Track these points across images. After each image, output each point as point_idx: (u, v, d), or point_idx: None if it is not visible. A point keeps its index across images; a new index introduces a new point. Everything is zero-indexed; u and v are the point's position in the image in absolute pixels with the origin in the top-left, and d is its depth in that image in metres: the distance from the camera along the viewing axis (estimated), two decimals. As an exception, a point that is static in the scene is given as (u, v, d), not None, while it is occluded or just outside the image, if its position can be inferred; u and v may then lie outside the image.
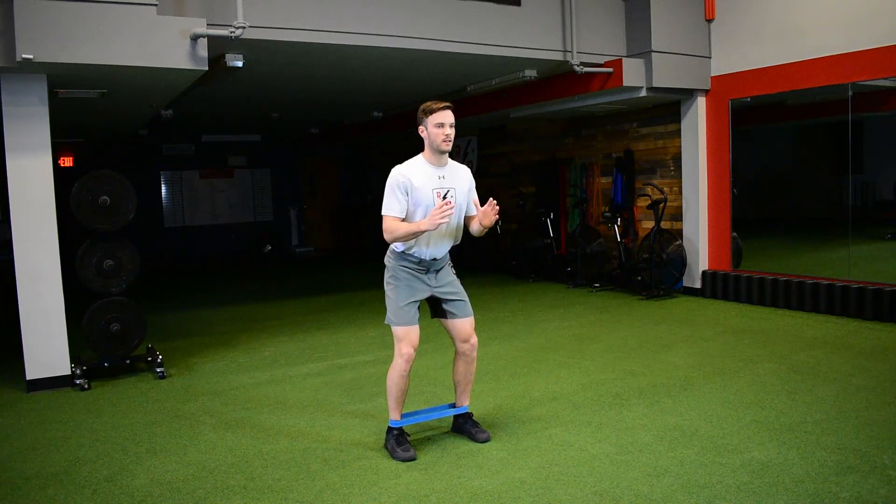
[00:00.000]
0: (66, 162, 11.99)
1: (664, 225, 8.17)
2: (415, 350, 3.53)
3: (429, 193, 3.46)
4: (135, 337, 5.47)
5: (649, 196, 8.29)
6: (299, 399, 4.68)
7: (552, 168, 10.01)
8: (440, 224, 3.32)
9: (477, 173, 11.54)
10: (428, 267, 3.57)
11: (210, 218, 14.72)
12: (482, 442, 3.72)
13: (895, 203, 6.92)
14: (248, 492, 3.23)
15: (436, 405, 4.16)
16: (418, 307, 3.57)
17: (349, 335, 6.59)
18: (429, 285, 3.59)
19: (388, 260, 3.63)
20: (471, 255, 10.86)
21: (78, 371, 5.15)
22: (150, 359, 5.52)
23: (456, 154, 12.10)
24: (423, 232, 3.38)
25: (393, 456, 3.55)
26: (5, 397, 4.95)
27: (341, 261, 13.72)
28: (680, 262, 7.95)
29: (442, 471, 3.38)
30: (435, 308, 3.70)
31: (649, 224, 8.42)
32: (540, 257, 9.82)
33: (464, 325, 3.65)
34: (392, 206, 3.48)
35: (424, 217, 3.41)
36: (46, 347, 5.07)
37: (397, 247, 3.56)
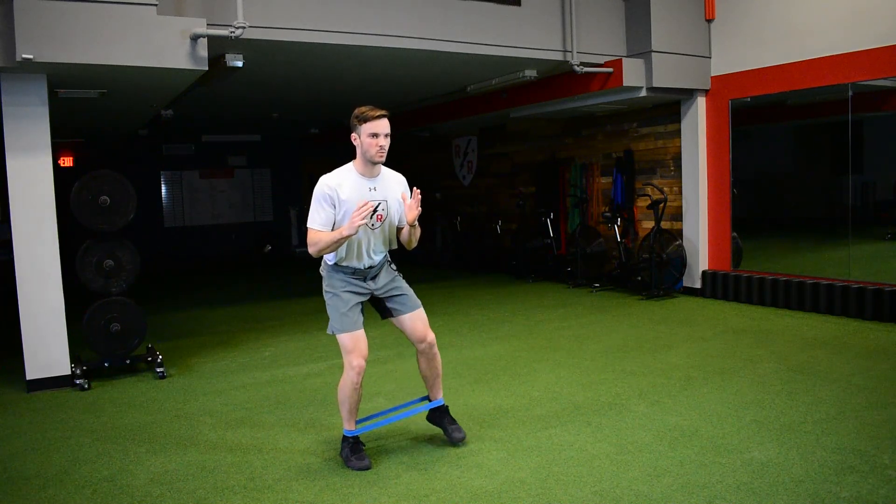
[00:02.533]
0: (66, 162, 11.98)
1: (664, 225, 8.17)
2: (365, 360, 3.39)
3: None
4: (135, 337, 5.47)
5: (649, 196, 8.29)
6: (299, 399, 4.68)
7: (552, 168, 10.01)
8: (360, 225, 3.14)
9: (477, 173, 11.57)
10: (364, 275, 3.46)
11: (210, 218, 14.72)
12: (456, 442, 3.63)
13: (895, 203, 6.92)
14: (248, 492, 3.23)
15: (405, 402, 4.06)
16: (362, 311, 3.46)
17: (349, 335, 6.58)
18: (368, 289, 3.47)
19: (323, 272, 3.51)
20: (471, 255, 10.89)
21: (78, 371, 5.15)
22: (150, 359, 5.53)
23: (456, 154, 12.11)
24: (346, 238, 3.21)
25: (347, 464, 3.44)
26: (5, 397, 4.95)
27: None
28: (680, 262, 7.95)
29: (442, 471, 3.38)
30: (380, 309, 3.59)
31: (649, 224, 8.42)
32: (540, 257, 9.82)
33: (413, 321, 3.52)
34: (315, 219, 3.29)
35: None
36: (46, 347, 5.07)
37: (329, 258, 3.42)
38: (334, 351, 6.02)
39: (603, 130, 9.26)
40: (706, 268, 7.99)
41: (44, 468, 3.61)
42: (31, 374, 5.04)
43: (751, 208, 8.02)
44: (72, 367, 5.19)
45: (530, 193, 10.36)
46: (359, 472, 3.39)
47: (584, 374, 5.01)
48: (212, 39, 5.08)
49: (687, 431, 3.76)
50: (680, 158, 8.15)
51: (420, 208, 3.37)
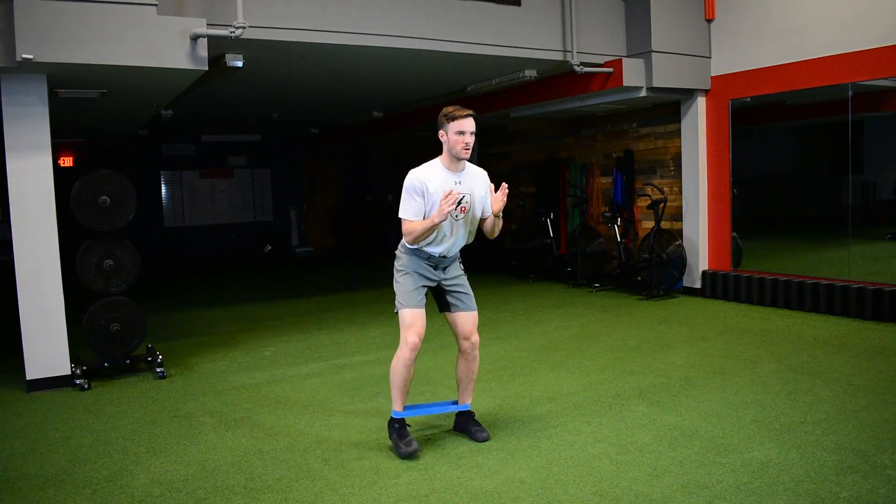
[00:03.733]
0: (66, 162, 11.99)
1: (664, 225, 8.17)
2: (420, 340, 3.55)
3: None
4: (135, 337, 5.47)
5: (649, 196, 8.29)
6: (299, 399, 4.68)
7: (552, 168, 10.01)
8: (448, 211, 3.34)
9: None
10: (437, 263, 3.63)
11: (210, 218, 14.72)
12: (481, 441, 3.72)
13: (895, 203, 6.92)
14: (248, 492, 3.23)
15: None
16: (425, 295, 3.62)
17: (349, 335, 6.58)
18: (437, 277, 3.65)
19: (400, 252, 3.68)
20: (471, 255, 10.85)
21: (78, 371, 5.15)
22: (150, 359, 5.52)
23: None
24: (437, 224, 3.41)
25: (396, 451, 3.54)
26: (5, 397, 4.95)
27: (341, 261, 13.72)
28: (680, 262, 7.95)
29: (442, 471, 3.38)
30: (441, 301, 3.75)
31: (649, 224, 8.42)
32: (540, 257, 9.82)
33: (466, 319, 3.69)
34: (408, 210, 3.51)
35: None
36: (46, 347, 5.07)
37: (413, 244, 3.60)
38: (334, 351, 6.02)
39: (603, 130, 9.26)
40: (706, 268, 7.99)
41: (44, 468, 3.61)
42: (31, 374, 5.04)
43: (751, 208, 8.01)
44: (72, 367, 5.18)
45: (530, 193, 10.36)
46: (359, 472, 3.39)
47: (584, 374, 5.01)
48: (212, 39, 5.08)
49: (687, 431, 3.76)
50: (680, 158, 8.15)
51: (506, 200, 3.55)
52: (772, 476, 3.15)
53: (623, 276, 8.54)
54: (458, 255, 3.78)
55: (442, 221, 3.41)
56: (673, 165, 8.30)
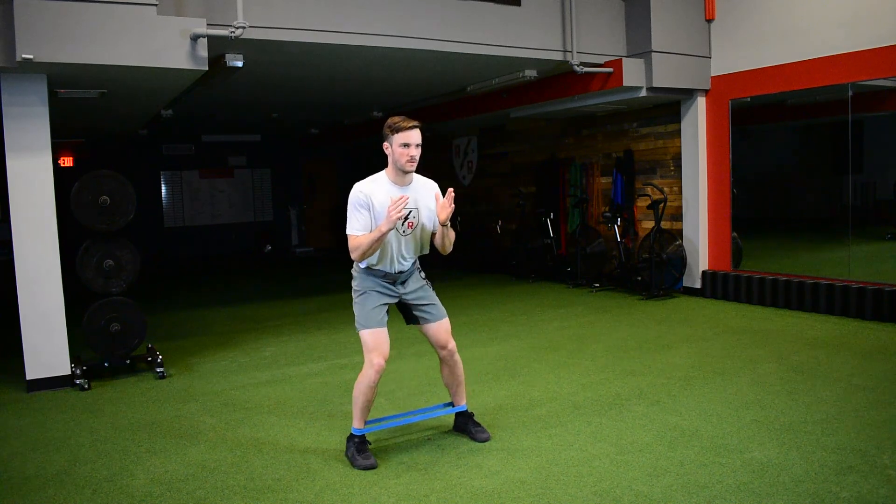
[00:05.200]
0: (66, 162, 11.99)
1: (664, 225, 8.17)
2: (385, 360, 3.45)
3: None
4: (135, 337, 5.47)
5: (649, 196, 8.29)
6: (299, 399, 4.68)
7: (552, 168, 10.01)
8: (397, 218, 3.22)
9: (477, 173, 11.57)
10: (394, 279, 3.54)
11: (210, 218, 14.73)
12: (481, 442, 3.72)
13: (895, 203, 6.92)
14: (248, 492, 3.23)
15: (436, 405, 4.16)
16: (387, 312, 3.53)
17: (349, 335, 6.58)
18: (396, 292, 3.56)
19: (354, 272, 3.58)
20: (471, 255, 10.89)
21: (78, 371, 5.15)
22: (150, 359, 5.52)
23: (456, 154, 12.10)
24: (385, 234, 3.28)
25: (353, 464, 3.46)
26: (5, 397, 4.95)
27: (341, 261, 13.72)
28: (680, 262, 7.95)
29: (442, 471, 3.38)
30: (407, 316, 3.67)
31: (649, 224, 8.42)
32: (540, 257, 9.82)
33: (438, 330, 3.62)
34: (354, 225, 3.38)
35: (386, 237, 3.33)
36: (46, 347, 5.07)
37: (361, 262, 3.49)
38: (334, 351, 6.02)
39: (603, 130, 9.25)
40: (706, 268, 7.99)
41: (44, 468, 3.61)
42: (31, 374, 5.04)
43: (751, 208, 8.01)
44: (72, 367, 5.19)
45: (530, 193, 10.36)
46: (359, 472, 3.39)
47: (584, 374, 5.01)
48: (212, 39, 5.08)
49: (687, 431, 3.76)
50: (680, 158, 8.15)
51: (453, 207, 3.43)
52: (772, 476, 3.15)
53: (623, 276, 8.54)
54: (418, 265, 3.67)
55: (389, 230, 3.27)
56: (673, 165, 8.30)
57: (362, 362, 3.89)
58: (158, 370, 5.35)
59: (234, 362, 5.76)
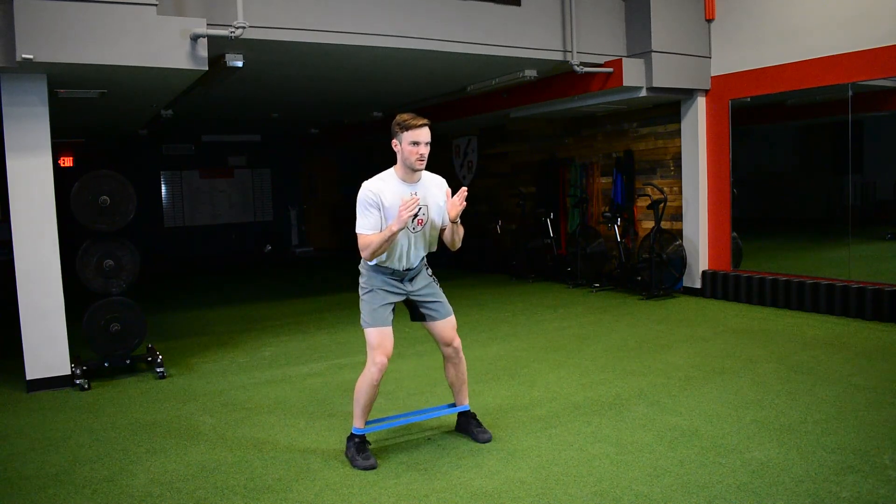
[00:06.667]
0: (66, 162, 11.99)
1: (664, 225, 8.17)
2: (388, 359, 3.46)
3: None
4: (135, 337, 5.47)
5: (649, 196, 8.29)
6: (299, 399, 4.68)
7: (552, 168, 10.01)
8: (408, 217, 3.23)
9: (477, 173, 11.57)
10: (402, 276, 3.54)
11: (210, 218, 14.73)
12: (483, 442, 3.72)
13: (895, 203, 6.92)
14: (248, 492, 3.23)
15: (436, 405, 4.16)
16: (393, 310, 3.54)
17: (349, 335, 6.58)
18: (404, 290, 3.56)
19: (362, 269, 3.58)
20: (471, 255, 10.89)
21: (78, 371, 5.15)
22: (150, 359, 5.52)
23: (456, 154, 12.10)
24: (396, 233, 3.29)
25: (353, 464, 3.46)
26: (5, 397, 4.95)
27: (341, 261, 13.72)
28: (680, 262, 7.95)
29: (442, 471, 3.38)
30: (414, 313, 3.68)
31: (649, 224, 8.42)
32: (540, 257, 9.82)
33: (444, 327, 3.63)
34: (364, 224, 3.37)
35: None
36: (46, 347, 5.07)
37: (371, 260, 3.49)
38: (334, 351, 6.02)
39: (603, 130, 9.26)
40: (706, 268, 7.99)
41: (44, 468, 3.61)
42: (31, 374, 5.04)
43: (751, 208, 8.01)
44: (72, 367, 5.18)
45: (530, 193, 10.36)
46: (359, 472, 3.39)
47: (584, 374, 5.01)
48: (212, 39, 5.08)
49: (687, 431, 3.76)
50: (680, 158, 8.15)
51: (465, 204, 3.42)
52: (772, 476, 3.15)
53: (623, 276, 8.54)
54: (426, 262, 3.67)
55: (400, 230, 3.28)
56: (673, 165, 8.30)
57: (363, 362, 3.91)
58: (158, 370, 5.35)
59: (234, 362, 5.76)
